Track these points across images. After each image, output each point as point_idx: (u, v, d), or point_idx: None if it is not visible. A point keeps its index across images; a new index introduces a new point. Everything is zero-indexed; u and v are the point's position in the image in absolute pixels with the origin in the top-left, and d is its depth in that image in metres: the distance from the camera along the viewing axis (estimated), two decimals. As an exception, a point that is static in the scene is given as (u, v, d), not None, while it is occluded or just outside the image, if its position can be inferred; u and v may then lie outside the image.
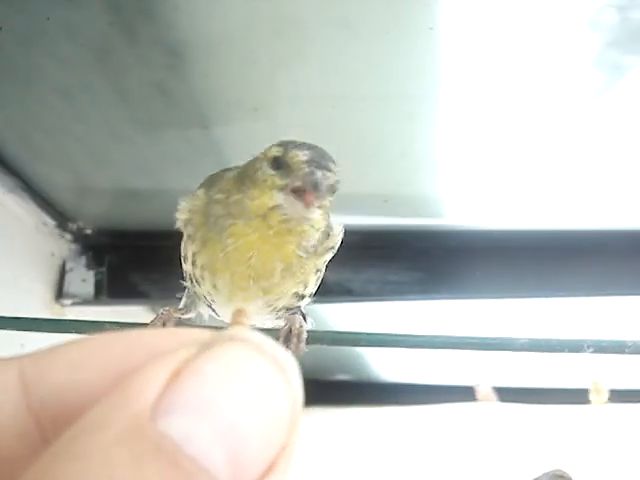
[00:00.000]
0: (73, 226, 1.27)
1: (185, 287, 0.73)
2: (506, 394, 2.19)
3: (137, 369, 0.22)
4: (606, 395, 2.05)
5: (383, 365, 1.83)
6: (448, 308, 1.39)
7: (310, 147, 0.57)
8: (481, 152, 1.04)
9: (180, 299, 0.79)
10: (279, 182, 0.57)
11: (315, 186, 0.54)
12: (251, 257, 0.59)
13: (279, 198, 0.57)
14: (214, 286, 0.65)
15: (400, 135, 1.02)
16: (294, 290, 0.65)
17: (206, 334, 0.25)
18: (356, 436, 1.98)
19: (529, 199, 1.14)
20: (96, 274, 1.27)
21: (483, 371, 2.11)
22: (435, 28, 0.80)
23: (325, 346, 0.63)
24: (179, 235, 1.31)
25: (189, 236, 0.67)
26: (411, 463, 2.13)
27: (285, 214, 0.57)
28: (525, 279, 1.19)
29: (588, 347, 0.54)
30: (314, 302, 0.71)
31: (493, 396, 2.23)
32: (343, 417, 1.94)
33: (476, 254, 1.18)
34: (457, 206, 1.17)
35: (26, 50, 0.88)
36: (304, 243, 0.59)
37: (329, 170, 0.56)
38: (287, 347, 0.59)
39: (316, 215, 0.57)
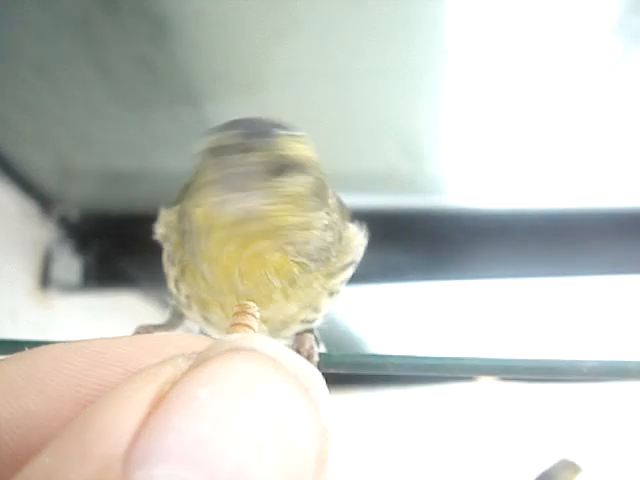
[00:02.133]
0: (57, 211, 1.21)
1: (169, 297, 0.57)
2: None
3: (103, 395, 0.16)
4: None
5: (382, 348, 1.80)
6: (452, 290, 1.34)
7: (229, 124, 0.42)
8: (487, 128, 0.99)
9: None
10: (211, 176, 0.42)
11: (228, 178, 0.39)
12: (236, 283, 0.45)
13: (217, 195, 0.42)
14: (205, 319, 0.51)
15: (402, 111, 0.97)
16: (302, 317, 0.51)
17: (200, 341, 0.19)
18: (356, 418, 1.96)
19: (537, 177, 1.09)
20: (82, 261, 1.21)
21: (482, 350, 2.09)
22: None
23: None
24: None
25: (168, 256, 0.52)
26: (411, 443, 2.11)
27: (233, 213, 0.42)
28: (531, 260, 1.14)
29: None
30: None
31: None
32: (343, 400, 1.91)
33: (481, 235, 1.13)
34: (461, 185, 1.12)
35: (-2, 22, 0.82)
36: (300, 246, 0.44)
37: (249, 148, 0.41)
38: None
39: (275, 203, 0.42)
